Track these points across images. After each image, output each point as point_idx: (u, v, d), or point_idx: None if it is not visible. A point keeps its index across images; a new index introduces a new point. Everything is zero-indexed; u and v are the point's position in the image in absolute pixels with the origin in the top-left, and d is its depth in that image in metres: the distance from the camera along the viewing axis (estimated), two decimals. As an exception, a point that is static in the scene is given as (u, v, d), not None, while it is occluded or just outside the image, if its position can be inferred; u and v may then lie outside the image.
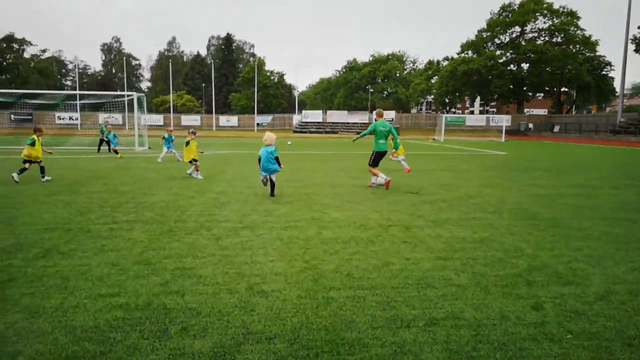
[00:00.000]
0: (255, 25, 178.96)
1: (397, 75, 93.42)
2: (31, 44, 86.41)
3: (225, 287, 4.31)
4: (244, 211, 7.88)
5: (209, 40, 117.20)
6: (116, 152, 19.50)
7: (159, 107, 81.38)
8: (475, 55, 70.23)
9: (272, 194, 9.44)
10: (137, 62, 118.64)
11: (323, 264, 5.06)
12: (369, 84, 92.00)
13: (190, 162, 12.43)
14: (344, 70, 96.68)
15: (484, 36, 71.45)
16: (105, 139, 21.66)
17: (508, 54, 69.60)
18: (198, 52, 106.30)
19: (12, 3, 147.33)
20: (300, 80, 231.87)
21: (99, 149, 21.79)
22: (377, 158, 10.93)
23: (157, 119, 67.92)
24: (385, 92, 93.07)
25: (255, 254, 5.38)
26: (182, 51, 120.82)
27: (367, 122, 64.80)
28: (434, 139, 46.14)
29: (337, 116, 68.06)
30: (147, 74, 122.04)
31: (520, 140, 46.86)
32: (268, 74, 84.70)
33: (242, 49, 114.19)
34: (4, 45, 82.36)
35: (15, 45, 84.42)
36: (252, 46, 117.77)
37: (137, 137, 24.42)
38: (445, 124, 48.07)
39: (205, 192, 9.90)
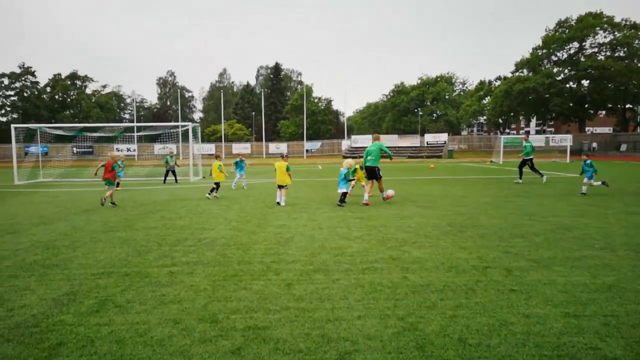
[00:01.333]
0: (302, 53, 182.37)
1: (447, 97, 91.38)
2: (92, 80, 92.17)
3: (311, 358, 3.47)
4: (311, 249, 7.08)
5: (258, 70, 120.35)
6: (117, 184, 16.65)
7: (211, 136, 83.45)
8: (531, 74, 67.45)
9: (342, 201, 12.10)
10: (190, 94, 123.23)
11: (423, 322, 4.13)
12: (418, 107, 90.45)
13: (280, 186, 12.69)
14: (391, 94, 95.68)
15: (540, 54, 68.55)
16: (171, 169, 21.66)
17: (566, 71, 66.37)
18: (248, 82, 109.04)
19: (77, 44, 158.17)
20: (347, 106, 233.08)
21: (164, 180, 21.72)
22: (367, 172, 12.81)
23: (209, 148, 69.85)
24: (435, 114, 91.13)
25: (337, 308, 4.53)
26: (232, 82, 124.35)
27: (419, 145, 63.34)
28: (492, 161, 44.07)
29: (387, 140, 66.90)
30: (199, 105, 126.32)
31: (586, 161, 43.75)
32: (316, 100, 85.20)
33: (289, 77, 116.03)
34: (68, 82, 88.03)
35: (79, 82, 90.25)
36: (300, 74, 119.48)
37: (192, 167, 24.41)
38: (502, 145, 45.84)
39: (265, 227, 9.20)
